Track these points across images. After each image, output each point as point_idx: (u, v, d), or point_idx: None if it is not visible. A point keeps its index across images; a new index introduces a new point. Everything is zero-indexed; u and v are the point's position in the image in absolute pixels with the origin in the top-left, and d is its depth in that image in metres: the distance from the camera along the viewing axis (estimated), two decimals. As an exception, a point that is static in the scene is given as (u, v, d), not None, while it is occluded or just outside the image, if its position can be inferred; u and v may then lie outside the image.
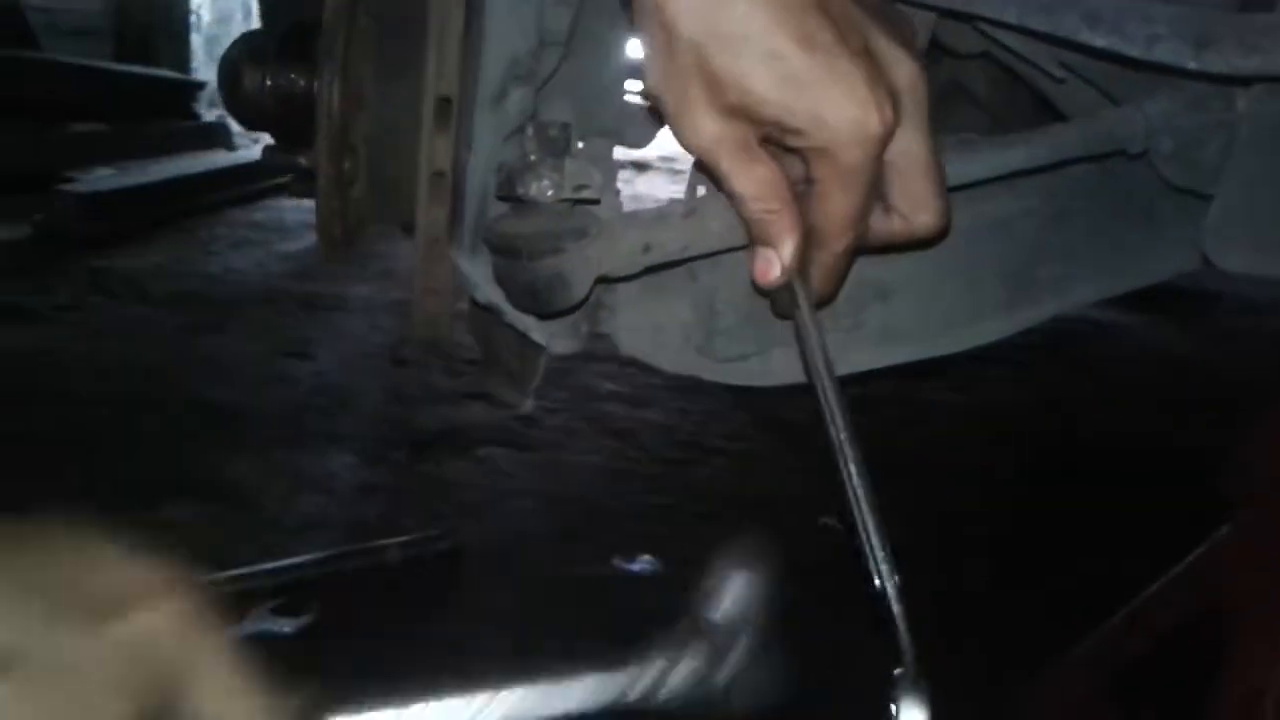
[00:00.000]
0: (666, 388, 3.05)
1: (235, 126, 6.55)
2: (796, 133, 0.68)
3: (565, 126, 0.94)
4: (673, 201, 0.99)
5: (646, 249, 0.92)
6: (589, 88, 1.11)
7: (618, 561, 2.07)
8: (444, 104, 0.94)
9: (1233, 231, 0.89)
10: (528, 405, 1.15)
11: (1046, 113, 1.25)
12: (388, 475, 2.33)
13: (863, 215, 0.75)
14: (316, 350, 3.09)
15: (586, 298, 0.94)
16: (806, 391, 0.80)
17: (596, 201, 0.96)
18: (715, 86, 0.67)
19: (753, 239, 0.78)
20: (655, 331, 1.09)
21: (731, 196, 0.76)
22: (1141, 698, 1.49)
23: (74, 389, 2.59)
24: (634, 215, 0.95)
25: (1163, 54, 0.79)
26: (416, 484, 2.30)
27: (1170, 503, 2.70)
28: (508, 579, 1.96)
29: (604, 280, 0.94)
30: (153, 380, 2.73)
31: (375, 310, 3.57)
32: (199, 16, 7.30)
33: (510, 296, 0.95)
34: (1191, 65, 0.77)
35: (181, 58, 7.05)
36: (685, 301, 1.08)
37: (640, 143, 1.21)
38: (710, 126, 0.70)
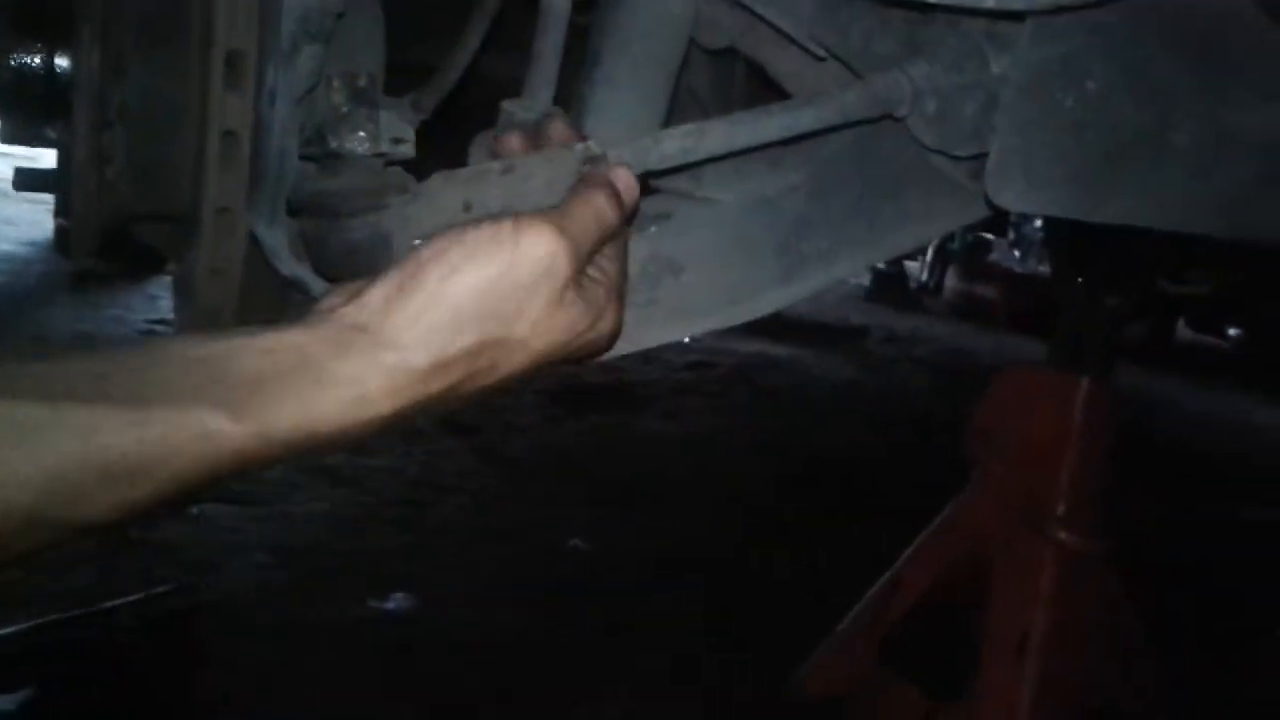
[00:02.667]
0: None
1: None
2: None
3: (372, 77, 0.90)
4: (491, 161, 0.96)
5: (467, 207, 0.88)
6: (361, 51, 1.06)
7: (373, 602, 1.96)
8: (233, 60, 0.86)
9: (1010, 173, 0.97)
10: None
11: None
12: (93, 543, 2.07)
13: None
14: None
15: (404, 264, 0.89)
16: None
17: (410, 159, 0.91)
18: None
19: None
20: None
21: None
22: (910, 655, 1.58)
23: None
24: (451, 174, 0.90)
25: (963, -4, 0.85)
26: (127, 549, 2.06)
27: (883, 493, 2.97)
28: (255, 632, 1.80)
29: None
30: None
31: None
32: None
33: (320, 264, 0.88)
34: (989, 4, 0.83)
35: None
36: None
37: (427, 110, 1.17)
38: None
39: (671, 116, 1.42)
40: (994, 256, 8.72)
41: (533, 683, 1.83)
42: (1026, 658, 1.33)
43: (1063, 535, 1.36)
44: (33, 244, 5.14)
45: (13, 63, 0.95)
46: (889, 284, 8.18)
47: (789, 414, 4.11)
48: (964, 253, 8.75)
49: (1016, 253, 7.94)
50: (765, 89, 1.29)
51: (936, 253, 9.01)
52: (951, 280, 8.70)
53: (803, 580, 2.30)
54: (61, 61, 0.96)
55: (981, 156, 1.01)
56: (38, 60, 0.96)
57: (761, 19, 1.12)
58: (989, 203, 1.02)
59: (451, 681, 1.79)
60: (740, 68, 1.41)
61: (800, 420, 4.02)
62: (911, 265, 8.87)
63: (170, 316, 3.64)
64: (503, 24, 1.15)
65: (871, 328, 6.59)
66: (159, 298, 4.26)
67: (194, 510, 2.26)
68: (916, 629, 1.58)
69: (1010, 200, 1.01)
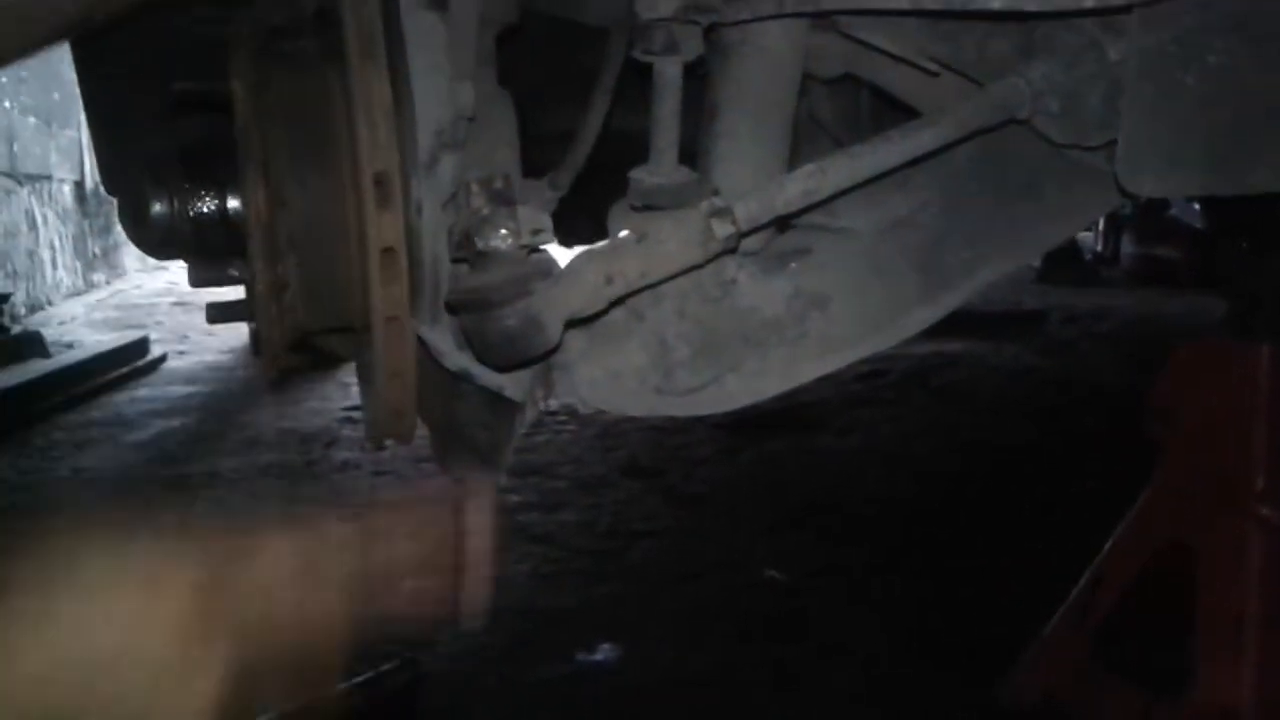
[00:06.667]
0: (573, 487, 3.03)
1: (50, 334, 6.26)
2: None
3: (507, 179, 0.96)
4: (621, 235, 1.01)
5: (609, 280, 0.93)
6: (496, 147, 1.12)
7: (581, 656, 2.03)
8: (381, 180, 0.94)
9: (1141, 159, 0.95)
10: (501, 478, 1.13)
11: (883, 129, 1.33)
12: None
13: None
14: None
15: (559, 344, 0.94)
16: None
17: (550, 242, 0.97)
18: None
19: None
20: (614, 379, 1.09)
21: None
22: (1123, 650, 1.53)
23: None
24: (589, 252, 0.96)
25: (1058, 1, 0.86)
26: (352, 631, 2.19)
27: (1070, 482, 2.87)
28: (479, 696, 1.90)
29: (572, 323, 0.94)
30: (34, 591, 2.53)
31: (251, 478, 3.44)
32: (-12, 232, 7.00)
33: (481, 354, 0.94)
34: (1089, 4, 0.83)
35: (-24, 275, 6.75)
36: (636, 343, 1.09)
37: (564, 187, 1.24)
38: None
39: (798, 147, 1.44)
40: (1173, 213, 8.26)
41: (746, 717, 1.86)
42: (1244, 641, 1.27)
43: (1265, 511, 1.30)
44: (232, 351, 5.53)
45: (190, 213, 1.06)
46: (1061, 260, 7.80)
47: (967, 413, 4.01)
48: (1139, 215, 8.33)
49: (1197, 206, 7.52)
50: (891, 107, 1.30)
51: (1109, 219, 8.58)
52: (1128, 246, 8.29)
53: (1000, 588, 2.25)
54: (232, 203, 1.06)
55: (1115, 142, 1.00)
56: (212, 206, 1.06)
57: (870, 45, 1.13)
58: (1123, 191, 1.01)
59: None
60: (863, 91, 1.42)
61: (980, 418, 3.93)
62: (1084, 236, 8.47)
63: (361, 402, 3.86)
64: (623, 83, 1.20)
65: (1048, 309, 6.36)
66: (350, 384, 4.51)
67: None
68: (1127, 623, 1.53)
69: (1145, 186, 0.99)
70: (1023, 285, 7.47)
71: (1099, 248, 8.67)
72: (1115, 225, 8.54)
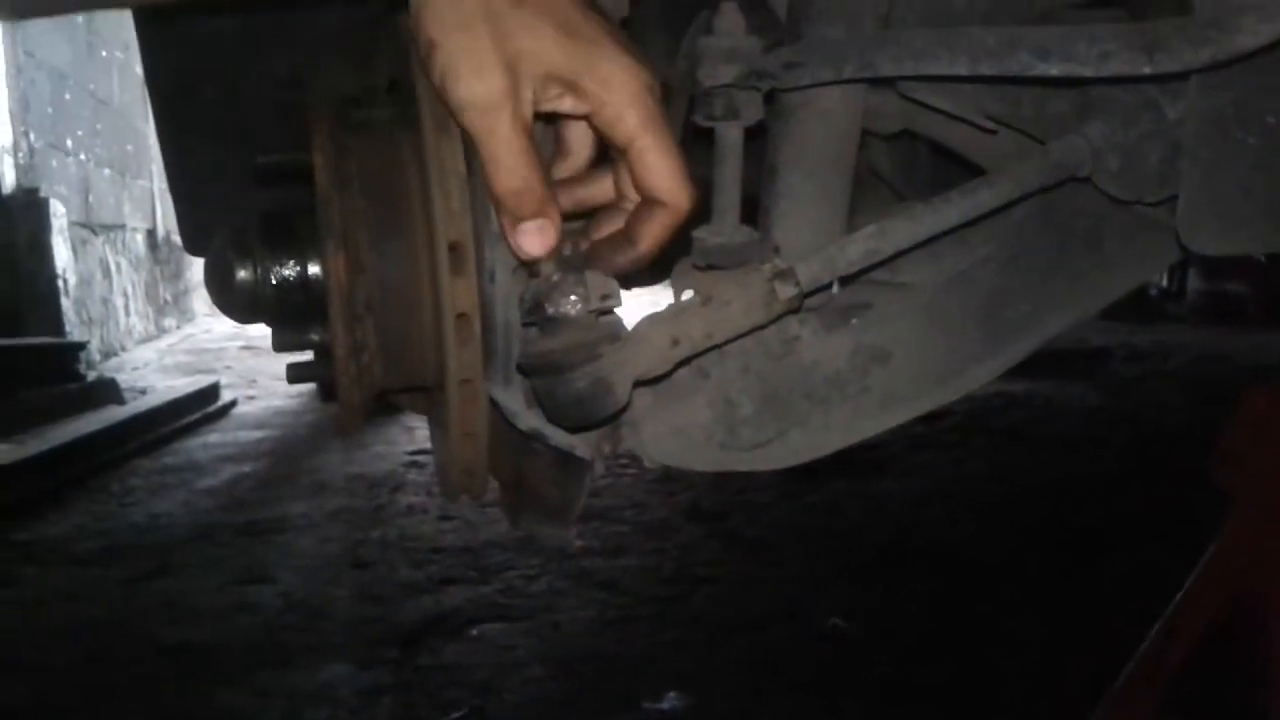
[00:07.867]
0: (636, 532, 3.05)
1: (123, 379, 6.44)
2: (581, 91, 0.73)
3: (576, 245, 0.99)
4: (684, 298, 1.03)
5: (675, 342, 0.96)
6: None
7: (647, 704, 2.04)
8: (455, 249, 0.97)
9: (1201, 217, 0.96)
10: (572, 535, 1.15)
11: (941, 183, 1.34)
12: (387, 674, 2.26)
13: (683, 166, 0.82)
14: (273, 572, 3.01)
15: (627, 405, 0.97)
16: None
17: (617, 306, 0.99)
18: (501, 35, 0.69)
19: (513, 211, 0.83)
20: (679, 435, 1.11)
21: (497, 161, 0.80)
22: (1195, 705, 1.51)
23: (33, 660, 2.47)
24: (655, 315, 0.98)
25: (1116, 67, 0.87)
26: (419, 676, 2.24)
27: (1138, 526, 2.83)
28: (544, 746, 1.92)
29: (640, 383, 0.97)
30: (110, 635, 2.61)
31: (320, 523, 3.51)
32: (65, 281, 7.23)
33: (552, 416, 0.97)
34: (1146, 70, 0.84)
35: (55, 322, 6.96)
36: (701, 401, 1.11)
37: None
38: (491, 79, 0.72)
39: (858, 198, 1.46)
40: (1239, 248, 8.09)
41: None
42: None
43: (1342, 563, 1.28)
44: (299, 396, 5.65)
45: (273, 279, 1.10)
46: (1126, 296, 7.70)
47: (1031, 455, 3.97)
48: (1204, 250, 8.17)
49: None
50: (949, 159, 1.31)
51: (1173, 254, 8.44)
52: (1194, 281, 8.17)
53: (1067, 635, 2.23)
54: (312, 269, 1.10)
55: (1176, 198, 1.01)
56: (294, 272, 1.10)
57: (928, 105, 1.15)
58: (1183, 248, 1.01)
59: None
60: (921, 144, 1.43)
61: (1044, 460, 3.89)
62: (1148, 272, 8.32)
63: (427, 446, 3.94)
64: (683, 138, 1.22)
65: (1112, 347, 6.28)
66: (413, 428, 4.59)
67: (473, 631, 2.43)
68: (1199, 676, 1.51)
69: (1205, 244, 1.00)
70: (1087, 321, 7.36)
71: (1165, 283, 8.55)
72: (1182, 260, 8.42)
